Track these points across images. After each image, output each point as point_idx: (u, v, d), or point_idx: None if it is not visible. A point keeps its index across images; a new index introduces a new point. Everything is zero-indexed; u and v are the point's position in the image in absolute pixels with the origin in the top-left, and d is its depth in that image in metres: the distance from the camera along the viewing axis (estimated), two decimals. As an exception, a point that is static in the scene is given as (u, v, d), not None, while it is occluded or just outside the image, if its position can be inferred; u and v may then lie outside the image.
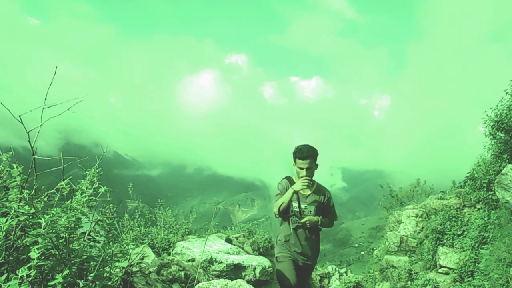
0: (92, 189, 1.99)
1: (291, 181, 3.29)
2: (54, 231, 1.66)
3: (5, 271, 1.64)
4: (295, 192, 3.13)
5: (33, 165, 2.04)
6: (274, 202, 3.21)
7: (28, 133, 1.96)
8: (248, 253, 6.18)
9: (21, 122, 1.97)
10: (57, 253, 1.70)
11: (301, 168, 3.14)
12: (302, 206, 3.24)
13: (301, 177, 3.10)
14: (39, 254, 1.56)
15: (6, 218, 1.64)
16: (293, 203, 3.21)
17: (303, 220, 3.18)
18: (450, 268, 5.44)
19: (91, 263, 1.86)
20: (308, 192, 3.29)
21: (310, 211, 3.25)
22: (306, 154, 3.12)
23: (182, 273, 3.94)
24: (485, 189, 5.66)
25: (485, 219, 5.32)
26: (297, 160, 3.16)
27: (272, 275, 5.42)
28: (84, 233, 2.01)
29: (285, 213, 3.22)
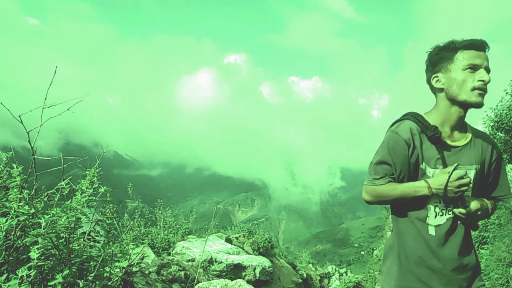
0: (92, 189, 1.99)
1: (424, 127, 1.50)
2: (54, 231, 1.66)
3: (5, 271, 1.64)
4: (428, 195, 1.46)
5: (33, 165, 2.04)
6: (370, 177, 1.56)
7: (28, 133, 1.96)
8: (248, 253, 6.18)
9: (21, 122, 1.97)
10: (57, 253, 1.70)
11: (473, 68, 1.43)
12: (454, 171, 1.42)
13: (474, 88, 1.42)
14: (39, 254, 1.56)
15: (6, 218, 1.64)
16: (428, 166, 1.49)
17: (467, 209, 1.44)
18: (450, 268, 5.44)
19: (91, 263, 1.86)
20: (460, 140, 1.53)
21: (470, 183, 1.45)
22: (485, 44, 1.45)
23: (182, 273, 3.93)
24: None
25: (485, 219, 5.32)
26: (463, 53, 1.45)
27: (272, 275, 5.42)
28: (84, 233, 2.01)
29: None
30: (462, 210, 1.44)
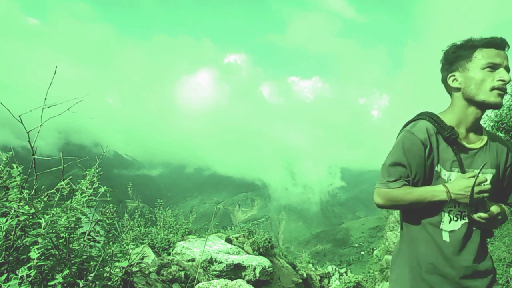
0: (92, 189, 1.99)
1: (440, 127, 1.42)
2: (54, 231, 1.66)
3: (5, 271, 1.64)
4: (446, 200, 1.38)
5: (33, 165, 2.04)
6: (384, 180, 1.47)
7: (28, 133, 1.96)
8: (248, 253, 6.18)
9: (21, 122, 1.97)
10: (57, 253, 1.70)
11: (492, 67, 1.37)
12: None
13: (494, 88, 1.35)
14: (39, 254, 1.56)
15: (6, 218, 1.64)
16: (443, 169, 1.41)
17: (489, 213, 1.36)
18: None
19: (91, 263, 1.85)
20: (476, 142, 1.46)
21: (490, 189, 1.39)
22: (505, 42, 1.40)
23: (182, 273, 3.93)
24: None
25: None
26: (482, 52, 1.38)
27: (272, 275, 5.42)
28: (84, 233, 2.01)
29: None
30: (483, 214, 1.35)
